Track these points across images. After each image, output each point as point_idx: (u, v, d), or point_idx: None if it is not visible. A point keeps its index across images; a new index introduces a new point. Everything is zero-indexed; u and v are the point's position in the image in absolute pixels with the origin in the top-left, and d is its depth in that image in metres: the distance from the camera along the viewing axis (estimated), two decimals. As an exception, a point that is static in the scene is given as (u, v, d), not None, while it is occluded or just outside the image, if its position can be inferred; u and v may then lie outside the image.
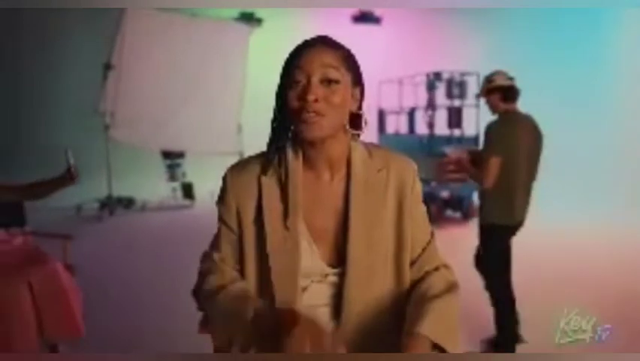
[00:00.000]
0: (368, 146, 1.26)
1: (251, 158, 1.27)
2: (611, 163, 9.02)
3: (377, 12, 9.50)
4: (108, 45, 7.09)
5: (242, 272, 1.24)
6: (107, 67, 7.01)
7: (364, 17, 9.47)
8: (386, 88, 7.99)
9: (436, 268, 1.27)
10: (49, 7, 7.77)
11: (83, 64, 8.66)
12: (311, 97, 1.11)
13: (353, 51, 1.21)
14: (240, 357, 1.10)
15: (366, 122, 1.22)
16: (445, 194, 6.83)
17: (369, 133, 1.27)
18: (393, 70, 8.24)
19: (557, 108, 9.79)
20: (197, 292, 1.26)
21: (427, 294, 1.19)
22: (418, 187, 1.27)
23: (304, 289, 1.21)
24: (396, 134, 8.05)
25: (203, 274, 1.26)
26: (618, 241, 5.63)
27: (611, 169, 8.78)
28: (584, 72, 9.70)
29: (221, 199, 1.25)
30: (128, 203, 7.70)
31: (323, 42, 1.17)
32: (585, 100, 9.74)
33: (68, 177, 2.12)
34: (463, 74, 6.91)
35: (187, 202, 8.00)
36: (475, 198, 6.96)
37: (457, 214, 6.94)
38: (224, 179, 1.25)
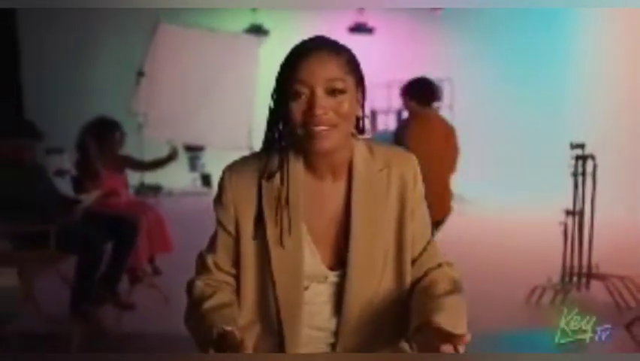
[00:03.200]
0: (369, 143, 1.24)
1: (248, 158, 1.23)
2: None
3: (370, 23, 10.51)
4: (140, 54, 8.32)
5: (239, 276, 1.22)
6: (140, 74, 8.23)
7: (359, 28, 10.43)
8: (377, 91, 9.05)
9: (439, 266, 1.26)
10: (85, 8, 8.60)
11: (115, 67, 9.67)
12: (319, 111, 1.07)
13: None
14: (240, 357, 1.07)
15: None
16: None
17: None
18: (384, 74, 9.03)
19: (537, 108, 10.07)
20: (188, 292, 1.25)
21: (437, 289, 1.18)
22: (420, 185, 1.24)
23: (305, 288, 1.20)
24: (386, 132, 9.25)
25: (195, 275, 1.25)
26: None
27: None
28: (561, 75, 9.95)
29: (219, 201, 1.22)
30: (156, 190, 8.94)
31: (322, 48, 1.11)
32: (566, 102, 9.95)
33: (173, 156, 3.55)
34: (438, 80, 8.12)
35: (205, 190, 9.24)
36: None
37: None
38: (222, 180, 1.21)
